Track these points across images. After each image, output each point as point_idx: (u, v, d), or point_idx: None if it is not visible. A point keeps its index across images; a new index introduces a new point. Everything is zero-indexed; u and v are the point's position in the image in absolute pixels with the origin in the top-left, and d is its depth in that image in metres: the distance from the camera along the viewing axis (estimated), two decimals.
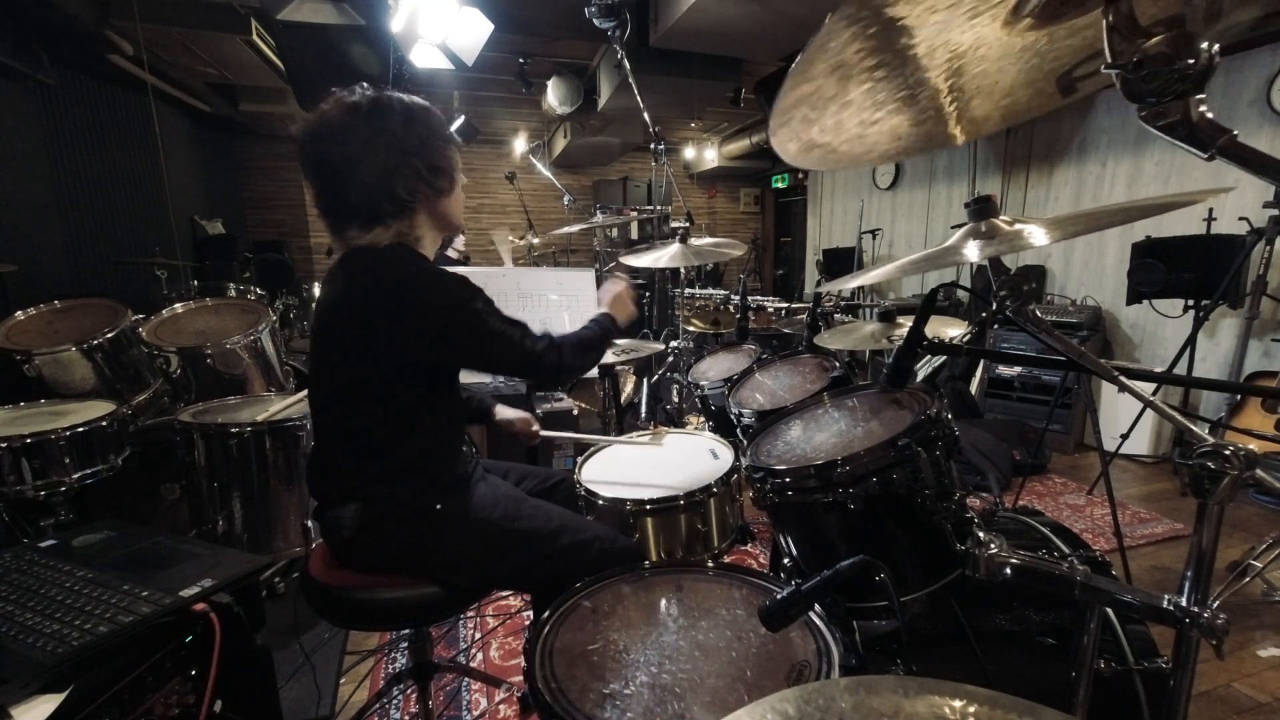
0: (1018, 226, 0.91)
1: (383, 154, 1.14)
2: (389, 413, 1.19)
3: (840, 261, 6.25)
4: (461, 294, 1.19)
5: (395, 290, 1.15)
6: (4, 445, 1.88)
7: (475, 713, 1.75)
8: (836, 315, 3.49)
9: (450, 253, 3.99)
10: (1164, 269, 3.26)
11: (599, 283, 1.96)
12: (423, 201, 1.21)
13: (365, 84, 1.19)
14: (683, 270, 3.97)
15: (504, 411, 1.71)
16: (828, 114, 0.79)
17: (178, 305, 2.70)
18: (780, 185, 8.70)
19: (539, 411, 2.94)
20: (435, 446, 1.25)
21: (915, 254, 1.03)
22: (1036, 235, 0.87)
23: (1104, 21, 0.59)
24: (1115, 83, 0.61)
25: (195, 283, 4.12)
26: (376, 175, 1.14)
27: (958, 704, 0.44)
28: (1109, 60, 0.60)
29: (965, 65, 0.74)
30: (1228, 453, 0.69)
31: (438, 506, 1.23)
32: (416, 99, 1.22)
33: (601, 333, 1.42)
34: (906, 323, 1.83)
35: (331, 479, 1.24)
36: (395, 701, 1.76)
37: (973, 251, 0.88)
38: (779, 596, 0.78)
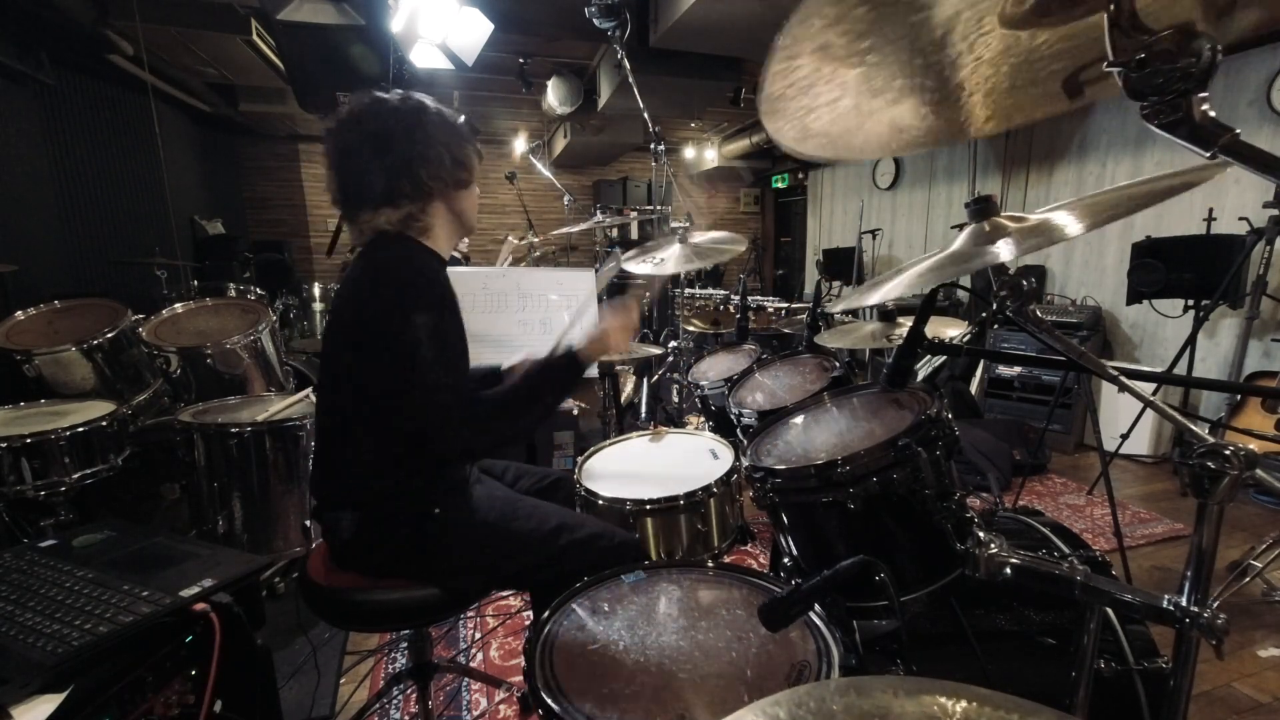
0: (1045, 216, 0.86)
1: (416, 137, 1.18)
2: (386, 416, 1.17)
3: (840, 261, 6.24)
4: (415, 298, 1.09)
5: (362, 278, 1.18)
6: (4, 445, 1.88)
7: (475, 713, 1.75)
8: (836, 315, 3.49)
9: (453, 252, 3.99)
10: (1164, 269, 3.26)
11: (598, 283, 1.94)
12: (440, 189, 1.23)
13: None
14: (682, 271, 3.97)
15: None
16: (821, 100, 0.76)
17: (178, 305, 2.70)
18: (780, 185, 8.68)
19: None
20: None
21: (926, 257, 0.99)
22: (1069, 224, 0.81)
23: (1106, 19, 0.59)
24: (1117, 80, 0.61)
25: (195, 283, 4.11)
26: (404, 158, 1.17)
27: (956, 704, 0.44)
28: (1111, 58, 0.60)
29: (962, 59, 0.73)
30: (1228, 453, 0.69)
31: (436, 511, 1.22)
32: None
33: (557, 386, 1.24)
34: (906, 323, 1.82)
35: (331, 480, 1.24)
36: (395, 701, 1.76)
37: (1006, 250, 0.84)
38: (779, 596, 0.78)
